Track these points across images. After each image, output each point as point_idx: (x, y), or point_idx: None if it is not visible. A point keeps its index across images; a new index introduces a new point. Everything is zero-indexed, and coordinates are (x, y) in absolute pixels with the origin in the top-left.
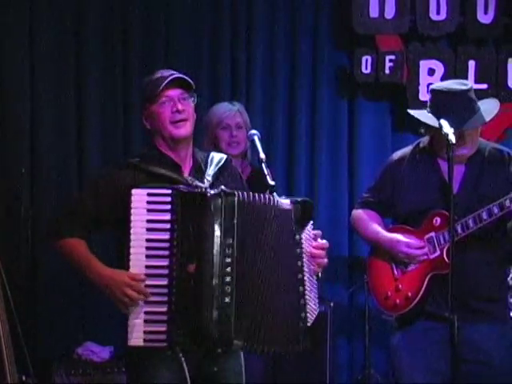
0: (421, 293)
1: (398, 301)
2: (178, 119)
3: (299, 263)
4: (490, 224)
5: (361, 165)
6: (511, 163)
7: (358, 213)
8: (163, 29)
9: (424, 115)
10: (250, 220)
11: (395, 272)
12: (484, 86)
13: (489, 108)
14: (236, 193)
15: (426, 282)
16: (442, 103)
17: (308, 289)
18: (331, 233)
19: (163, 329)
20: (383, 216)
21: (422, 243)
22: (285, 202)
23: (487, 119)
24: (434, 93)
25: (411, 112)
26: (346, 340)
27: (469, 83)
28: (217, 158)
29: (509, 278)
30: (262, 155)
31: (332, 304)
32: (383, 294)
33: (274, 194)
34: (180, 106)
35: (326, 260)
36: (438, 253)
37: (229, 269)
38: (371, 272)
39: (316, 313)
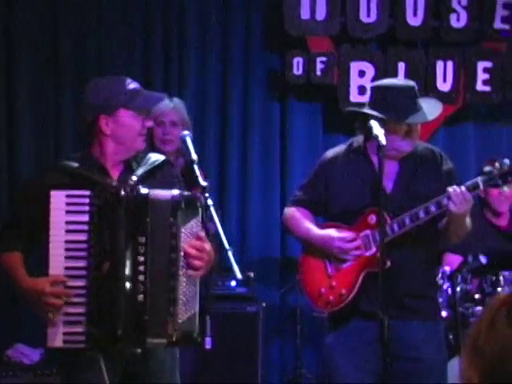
0: (355, 290)
1: (331, 298)
2: (145, 133)
3: (173, 255)
4: (425, 222)
5: (292, 165)
6: (443, 163)
7: (290, 211)
8: (95, 29)
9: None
10: (164, 219)
11: (329, 269)
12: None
13: (431, 107)
14: (149, 192)
15: (360, 280)
16: (386, 99)
17: (183, 287)
18: (263, 233)
19: (82, 330)
20: (315, 215)
21: (354, 236)
22: (165, 194)
23: (430, 118)
24: (377, 89)
25: (352, 109)
26: (277, 340)
27: (412, 82)
28: (153, 159)
29: (438, 278)
30: (194, 156)
31: (264, 304)
32: (316, 291)
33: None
34: (150, 124)
35: (200, 263)
36: (373, 250)
37: (141, 267)
38: (304, 269)
39: (193, 311)
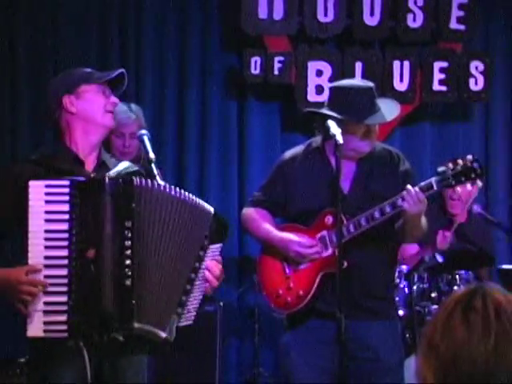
0: (312, 291)
1: (289, 299)
2: (111, 110)
3: (197, 264)
4: (381, 223)
5: (250, 165)
6: (400, 163)
7: (249, 212)
8: (51, 29)
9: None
10: (151, 206)
11: (287, 270)
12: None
13: (389, 108)
14: (134, 178)
15: (317, 280)
16: (345, 99)
17: (193, 294)
18: None
19: (64, 319)
20: (274, 215)
21: (313, 242)
22: (206, 206)
23: (388, 118)
24: (336, 90)
25: (310, 109)
26: (235, 340)
27: (371, 83)
28: (128, 164)
29: (395, 277)
30: (152, 155)
31: (221, 304)
32: (274, 292)
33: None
34: (115, 100)
35: (216, 282)
36: (330, 251)
37: (128, 252)
38: (262, 270)
39: (189, 323)
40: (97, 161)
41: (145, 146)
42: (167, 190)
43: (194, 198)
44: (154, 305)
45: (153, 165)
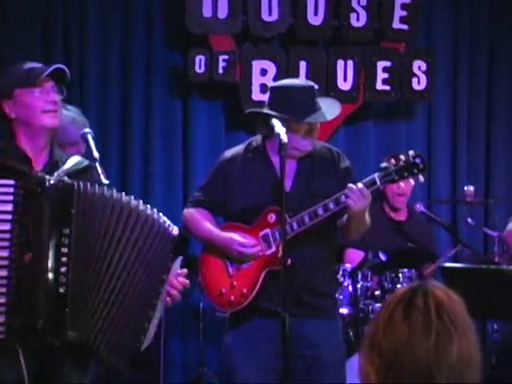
0: (256, 289)
1: (232, 297)
2: (51, 109)
3: (160, 288)
4: (324, 220)
5: (194, 164)
6: (340, 161)
7: (190, 212)
8: None
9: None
10: (92, 212)
11: (230, 269)
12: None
13: (330, 107)
14: (75, 183)
15: (261, 279)
16: (286, 99)
17: (156, 315)
18: None
19: (2, 320)
20: (215, 215)
21: (255, 241)
22: (171, 226)
23: (329, 117)
24: (277, 89)
25: (252, 110)
26: (179, 339)
27: (311, 82)
28: (77, 160)
29: (339, 275)
30: (96, 154)
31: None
32: (217, 291)
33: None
34: (54, 97)
35: (179, 297)
36: (273, 249)
37: (64, 259)
38: (205, 270)
39: (148, 341)
40: (48, 159)
41: (89, 145)
42: (109, 194)
43: (137, 201)
44: (92, 314)
45: (97, 163)
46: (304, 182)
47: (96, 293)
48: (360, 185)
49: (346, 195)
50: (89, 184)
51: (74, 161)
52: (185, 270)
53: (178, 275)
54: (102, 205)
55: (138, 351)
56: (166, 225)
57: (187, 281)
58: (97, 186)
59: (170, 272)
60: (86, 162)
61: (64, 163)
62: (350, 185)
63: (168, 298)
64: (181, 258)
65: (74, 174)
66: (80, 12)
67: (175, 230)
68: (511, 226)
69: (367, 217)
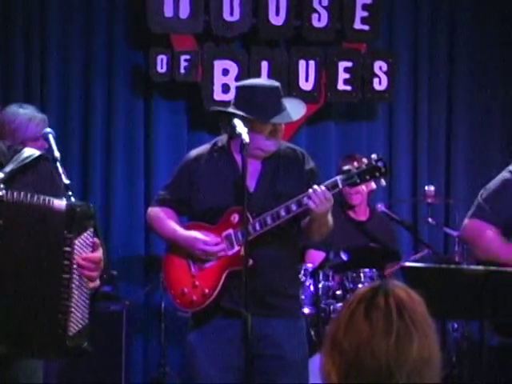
0: (218, 289)
1: (194, 297)
2: None
3: (64, 273)
4: (287, 221)
5: (157, 164)
6: (305, 162)
7: (155, 211)
8: None
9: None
10: (18, 221)
11: (192, 268)
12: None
13: (295, 107)
14: (2, 192)
15: (223, 279)
16: (251, 99)
17: (75, 300)
18: (127, 232)
19: None
20: (180, 214)
21: (218, 240)
22: (58, 203)
23: (295, 118)
24: (242, 89)
25: (217, 108)
26: (141, 339)
27: (277, 82)
28: (25, 154)
29: (300, 275)
30: (57, 153)
31: (127, 303)
32: (179, 291)
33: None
34: None
35: (95, 274)
36: (236, 249)
37: None
38: (168, 268)
39: (83, 323)
40: None
41: (50, 145)
42: (35, 199)
43: (47, 198)
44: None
45: (58, 163)
46: (268, 182)
47: (13, 304)
48: (323, 187)
49: (308, 197)
50: (18, 193)
51: (21, 157)
52: (97, 241)
53: (92, 247)
54: (27, 215)
55: (65, 337)
56: (47, 202)
57: (96, 254)
58: (25, 194)
59: (71, 244)
60: (35, 154)
61: (10, 160)
62: (314, 187)
63: (83, 283)
64: (89, 230)
65: (21, 171)
66: (41, 11)
67: (60, 203)
68: (465, 223)
69: (330, 219)
